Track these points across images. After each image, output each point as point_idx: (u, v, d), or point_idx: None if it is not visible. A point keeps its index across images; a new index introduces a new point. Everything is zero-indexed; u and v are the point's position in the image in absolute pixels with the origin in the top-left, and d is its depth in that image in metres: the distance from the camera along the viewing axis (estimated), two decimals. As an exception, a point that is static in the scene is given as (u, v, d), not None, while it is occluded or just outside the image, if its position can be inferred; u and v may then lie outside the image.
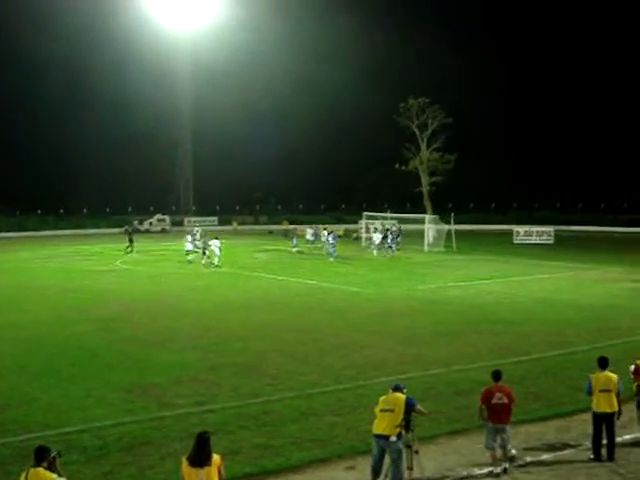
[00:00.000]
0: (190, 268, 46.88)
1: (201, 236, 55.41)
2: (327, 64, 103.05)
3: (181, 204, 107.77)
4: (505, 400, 13.40)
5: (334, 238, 53.82)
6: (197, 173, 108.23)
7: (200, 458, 10.13)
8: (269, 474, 13.35)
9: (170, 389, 18.52)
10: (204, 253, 48.93)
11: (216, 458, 10.22)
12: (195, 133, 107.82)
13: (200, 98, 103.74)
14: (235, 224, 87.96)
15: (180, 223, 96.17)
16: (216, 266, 47.07)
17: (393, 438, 12.25)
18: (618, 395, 14.20)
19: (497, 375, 13.81)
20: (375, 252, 55.89)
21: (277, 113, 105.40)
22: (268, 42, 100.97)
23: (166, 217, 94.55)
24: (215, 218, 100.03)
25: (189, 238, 50.86)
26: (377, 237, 57.09)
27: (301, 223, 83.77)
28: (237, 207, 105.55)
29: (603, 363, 14.46)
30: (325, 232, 58.31)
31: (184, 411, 16.71)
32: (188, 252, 49.76)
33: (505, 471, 13.21)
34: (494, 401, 13.42)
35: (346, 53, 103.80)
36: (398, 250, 57.07)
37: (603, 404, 14.12)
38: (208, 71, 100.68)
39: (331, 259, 51.53)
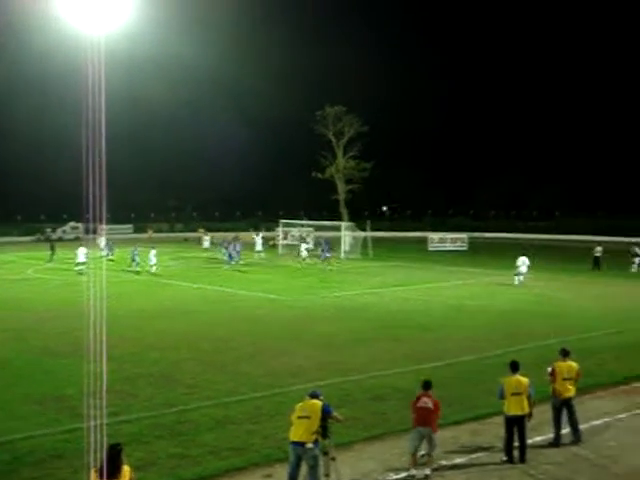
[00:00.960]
0: (105, 276, 46.00)
1: (109, 244, 58.36)
2: (245, 71, 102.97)
3: (95, 212, 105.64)
4: (430, 405, 13.62)
5: (238, 247, 54.81)
6: (111, 180, 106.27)
7: (110, 470, 9.89)
8: (184, 484, 13.21)
9: (83, 400, 18.13)
10: (133, 260, 49.34)
11: (126, 470, 10.03)
12: (108, 140, 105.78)
13: (114, 103, 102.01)
14: (150, 232, 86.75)
15: (94, 231, 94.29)
16: (137, 272, 47.39)
17: (310, 445, 12.27)
18: (529, 398, 14.54)
19: (426, 385, 14.12)
20: (307, 260, 55.70)
21: (191, 119, 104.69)
22: (185, 47, 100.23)
23: (79, 225, 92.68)
24: (130, 226, 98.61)
25: (84, 251, 48.65)
26: (304, 246, 57.11)
27: (217, 230, 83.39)
28: (152, 215, 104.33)
29: (514, 367, 14.80)
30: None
31: (98, 422, 16.38)
32: (79, 264, 47.79)
33: (426, 477, 13.34)
34: (419, 404, 13.66)
35: (264, 60, 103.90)
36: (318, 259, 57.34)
37: (514, 407, 14.44)
38: (124, 75, 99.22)
39: (226, 267, 51.55)
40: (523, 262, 42.04)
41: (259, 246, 60.95)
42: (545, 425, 16.24)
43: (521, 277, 41.75)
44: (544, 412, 16.96)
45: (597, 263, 51.24)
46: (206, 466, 13.94)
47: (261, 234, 64.21)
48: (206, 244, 63.12)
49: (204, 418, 16.74)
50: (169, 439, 15.35)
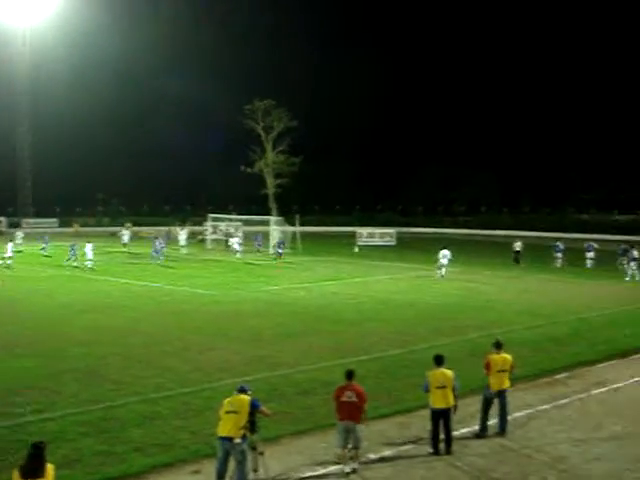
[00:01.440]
0: (32, 271, 45.17)
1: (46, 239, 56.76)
2: (174, 64, 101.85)
3: (18, 205, 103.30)
4: (354, 399, 13.58)
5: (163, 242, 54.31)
6: (36, 174, 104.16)
7: (33, 469, 9.71)
8: (111, 481, 13.04)
9: (6, 398, 17.76)
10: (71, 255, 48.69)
11: (49, 468, 9.85)
12: (33, 133, 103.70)
13: (38, 97, 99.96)
14: (76, 226, 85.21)
15: (18, 225, 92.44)
16: (75, 267, 46.92)
17: (237, 440, 12.24)
18: (454, 391, 14.75)
19: (349, 374, 14.00)
20: (238, 255, 55.25)
21: (119, 113, 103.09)
22: (108, 39, 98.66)
23: (2, 219, 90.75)
24: (55, 220, 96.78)
25: (10, 245, 48.68)
26: (235, 240, 56.94)
27: (146, 225, 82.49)
28: (78, 209, 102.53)
29: (439, 360, 15.00)
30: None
31: (22, 420, 16.08)
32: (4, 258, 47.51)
33: (354, 471, 13.41)
34: (343, 399, 13.62)
35: (194, 53, 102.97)
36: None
37: (439, 400, 14.62)
38: (47, 70, 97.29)
39: (158, 261, 51.07)
40: (444, 255, 42.73)
41: (183, 241, 60.36)
42: (471, 417, 16.51)
43: (443, 270, 42.40)
44: (470, 405, 17.26)
45: (517, 257, 52.33)
46: (132, 463, 13.79)
47: (186, 229, 63.46)
48: (125, 238, 61.30)
49: (131, 414, 16.55)
50: (94, 436, 15.13)
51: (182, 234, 60.61)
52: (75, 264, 47.72)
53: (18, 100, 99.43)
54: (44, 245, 56.54)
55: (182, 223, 74.82)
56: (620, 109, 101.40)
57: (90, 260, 47.24)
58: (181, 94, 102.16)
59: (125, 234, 61.81)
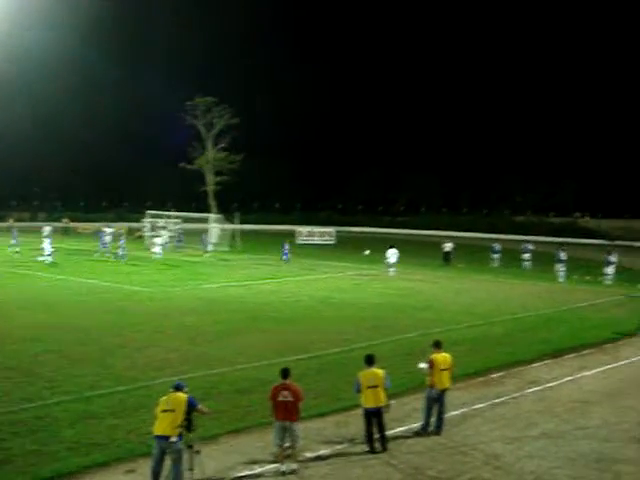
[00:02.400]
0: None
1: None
2: (113, 58, 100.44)
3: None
4: (290, 398, 13.56)
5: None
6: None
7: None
8: (44, 481, 12.81)
9: None
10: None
11: None
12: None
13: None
14: (11, 220, 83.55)
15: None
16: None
17: (174, 439, 12.14)
18: (385, 390, 14.84)
19: (284, 373, 13.97)
20: (157, 256, 52.85)
21: (55, 108, 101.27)
22: (38, 29, 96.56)
23: None
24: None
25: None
26: (160, 238, 55.88)
27: (85, 221, 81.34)
28: (14, 203, 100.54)
29: (369, 360, 15.06)
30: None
31: (-49, 419, 15.71)
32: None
33: (294, 472, 13.38)
34: (279, 398, 13.59)
35: (135, 48, 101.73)
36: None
37: (371, 400, 14.70)
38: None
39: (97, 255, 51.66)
40: (392, 254, 43.09)
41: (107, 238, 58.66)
42: (407, 416, 16.66)
43: (393, 268, 42.80)
44: (406, 403, 17.46)
45: (447, 258, 52.94)
46: (65, 463, 13.57)
47: (112, 227, 61.37)
48: (45, 233, 58.52)
49: (64, 413, 16.29)
50: (26, 436, 14.86)
51: (108, 231, 58.11)
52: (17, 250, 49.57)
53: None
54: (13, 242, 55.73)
55: (121, 220, 73.87)
56: (556, 115, 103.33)
57: (49, 255, 47.52)
58: (120, 88, 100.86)
59: (46, 230, 59.57)
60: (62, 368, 20.11)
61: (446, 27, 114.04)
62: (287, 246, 50.86)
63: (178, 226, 69.27)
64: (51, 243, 48.33)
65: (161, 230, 61.58)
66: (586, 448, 15.14)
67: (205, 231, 61.17)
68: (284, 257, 49.87)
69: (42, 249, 47.65)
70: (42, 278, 39.80)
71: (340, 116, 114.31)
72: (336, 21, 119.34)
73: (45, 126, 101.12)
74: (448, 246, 53.37)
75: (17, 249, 53.62)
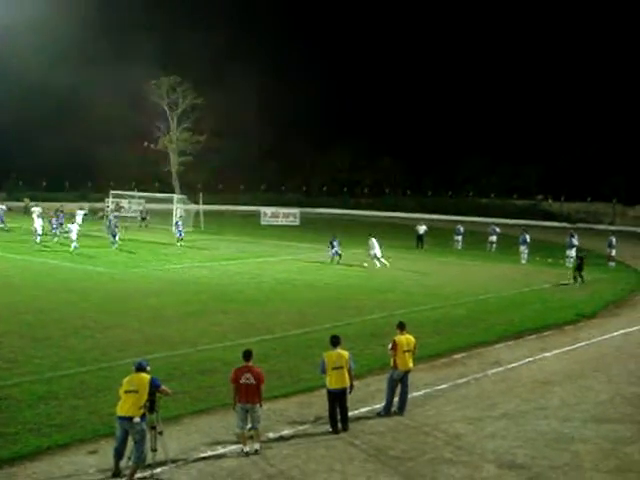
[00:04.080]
0: None
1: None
2: (77, 30, 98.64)
3: None
4: (253, 381, 13.52)
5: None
6: None
7: None
8: (3, 463, 12.69)
9: None
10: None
11: None
12: None
13: None
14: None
15: None
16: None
17: (137, 419, 12.10)
18: (350, 371, 14.89)
19: (247, 355, 13.91)
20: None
21: (14, 83, 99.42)
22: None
23: None
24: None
25: None
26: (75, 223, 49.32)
27: (44, 201, 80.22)
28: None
29: (335, 341, 15.09)
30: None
31: None
32: None
33: (257, 452, 13.41)
34: (242, 381, 13.54)
35: (99, 24, 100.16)
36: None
37: (336, 381, 14.74)
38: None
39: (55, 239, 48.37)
40: (374, 244, 40.49)
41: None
42: (371, 397, 16.75)
43: (382, 260, 40.15)
44: (370, 384, 17.57)
45: (421, 240, 52.83)
46: (26, 444, 13.46)
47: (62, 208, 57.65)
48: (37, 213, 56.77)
49: (25, 394, 16.14)
50: (-14, 417, 14.72)
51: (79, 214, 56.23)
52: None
53: None
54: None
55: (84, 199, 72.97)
56: (521, 98, 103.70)
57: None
58: (84, 64, 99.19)
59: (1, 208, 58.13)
60: (23, 349, 19.93)
61: (418, 8, 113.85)
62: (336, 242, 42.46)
63: (143, 206, 68.91)
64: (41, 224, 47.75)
65: (78, 211, 57.32)
66: (546, 428, 15.34)
67: (180, 217, 58.93)
68: (331, 252, 41.79)
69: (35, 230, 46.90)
70: (3, 258, 39.29)
71: (306, 97, 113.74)
72: None
73: (4, 105, 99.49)
74: (422, 229, 53.17)
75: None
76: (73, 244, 42.29)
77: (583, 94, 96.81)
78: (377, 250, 40.24)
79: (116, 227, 48.04)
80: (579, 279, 36.11)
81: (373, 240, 40.73)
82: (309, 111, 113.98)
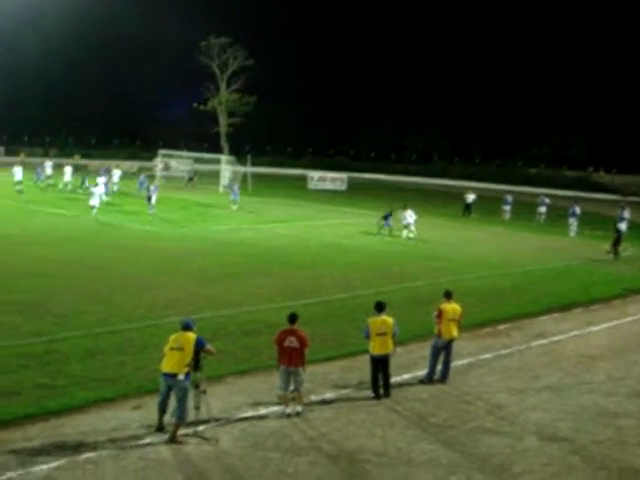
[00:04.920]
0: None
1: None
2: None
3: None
4: (296, 344, 13.54)
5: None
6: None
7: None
8: (52, 414, 12.94)
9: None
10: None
11: None
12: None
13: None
14: (22, 155, 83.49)
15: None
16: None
17: (181, 377, 12.22)
18: (393, 337, 14.89)
19: (292, 318, 13.90)
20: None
21: (64, 44, 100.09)
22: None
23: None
24: (1, 149, 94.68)
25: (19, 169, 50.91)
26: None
27: (98, 158, 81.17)
28: (26, 138, 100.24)
29: (379, 307, 15.04)
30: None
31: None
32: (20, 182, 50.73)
33: (298, 414, 13.51)
34: (285, 344, 13.56)
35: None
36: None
37: (379, 347, 14.75)
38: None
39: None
40: (409, 215, 39.01)
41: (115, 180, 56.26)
42: (414, 364, 16.75)
43: (412, 229, 38.89)
44: (412, 351, 17.55)
45: (468, 209, 52.39)
46: (73, 397, 13.72)
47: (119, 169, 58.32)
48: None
49: (73, 348, 16.43)
50: (36, 369, 15.01)
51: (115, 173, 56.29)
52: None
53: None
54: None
55: (133, 158, 73.53)
56: (574, 66, 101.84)
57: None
58: (134, 26, 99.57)
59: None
60: (71, 304, 20.25)
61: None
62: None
63: (192, 167, 69.31)
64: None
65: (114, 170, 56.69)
66: (589, 402, 15.21)
67: (234, 180, 58.56)
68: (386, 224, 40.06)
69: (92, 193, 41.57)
70: (53, 214, 39.85)
71: (354, 63, 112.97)
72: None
73: (56, 62, 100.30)
74: (470, 197, 52.72)
75: (50, 182, 56.13)
76: (93, 206, 39.61)
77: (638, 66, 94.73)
78: (410, 220, 39.21)
79: (149, 190, 43.92)
80: (613, 254, 35.43)
81: (408, 211, 39.50)
82: (358, 76, 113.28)
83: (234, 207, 48.43)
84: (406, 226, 38.85)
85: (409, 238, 38.26)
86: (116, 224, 37.38)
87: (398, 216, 39.74)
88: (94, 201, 39.57)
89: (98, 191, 40.90)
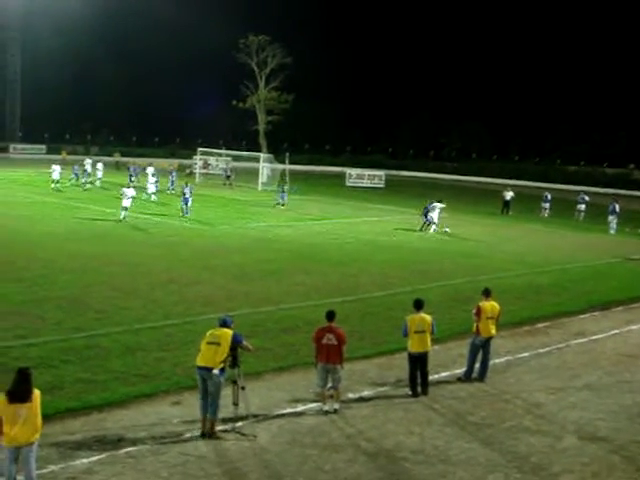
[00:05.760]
0: (15, 197, 44.86)
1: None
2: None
3: (6, 130, 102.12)
4: (334, 341, 13.57)
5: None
6: (25, 99, 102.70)
7: (22, 394, 9.84)
8: (93, 409, 13.13)
9: (-11, 321, 17.80)
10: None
11: (37, 394, 9.96)
12: (23, 59, 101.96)
13: (29, 23, 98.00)
14: (64, 154, 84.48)
15: (5, 150, 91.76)
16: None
17: (215, 371, 12.21)
18: (432, 334, 14.88)
19: (330, 315, 13.93)
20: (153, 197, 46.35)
21: (106, 41, 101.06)
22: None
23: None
24: (43, 146, 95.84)
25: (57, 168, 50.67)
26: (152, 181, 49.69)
27: (137, 156, 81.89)
28: (67, 136, 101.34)
29: (418, 305, 15.03)
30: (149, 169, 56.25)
31: (5, 344, 16.11)
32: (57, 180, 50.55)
33: (336, 411, 13.55)
34: (324, 341, 13.61)
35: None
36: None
37: (417, 344, 14.75)
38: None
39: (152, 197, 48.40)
40: (436, 208, 39.64)
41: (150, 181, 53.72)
42: (451, 361, 16.73)
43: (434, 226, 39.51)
44: (451, 349, 17.53)
45: (507, 206, 52.04)
46: (114, 391, 13.90)
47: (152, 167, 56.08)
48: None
49: (113, 344, 16.62)
50: (77, 364, 15.22)
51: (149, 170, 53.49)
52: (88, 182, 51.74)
53: (7, 25, 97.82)
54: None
55: (172, 156, 73.94)
56: (611, 64, 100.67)
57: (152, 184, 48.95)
58: (174, 24, 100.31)
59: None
60: (111, 300, 20.49)
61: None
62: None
63: (230, 164, 69.63)
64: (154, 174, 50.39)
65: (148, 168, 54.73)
66: (629, 401, 15.08)
67: (284, 181, 56.54)
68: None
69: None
70: (92, 211, 40.29)
71: (392, 59, 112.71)
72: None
73: (99, 62, 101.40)
74: (509, 195, 52.34)
75: (90, 179, 55.46)
76: (125, 207, 37.32)
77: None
78: (435, 215, 39.38)
79: (185, 194, 40.82)
80: None
81: (437, 205, 39.73)
82: (396, 73, 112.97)
83: (282, 207, 47.83)
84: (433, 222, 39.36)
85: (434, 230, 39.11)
86: (156, 220, 37.68)
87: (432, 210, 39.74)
88: (126, 202, 37.32)
89: (130, 193, 37.84)
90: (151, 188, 47.82)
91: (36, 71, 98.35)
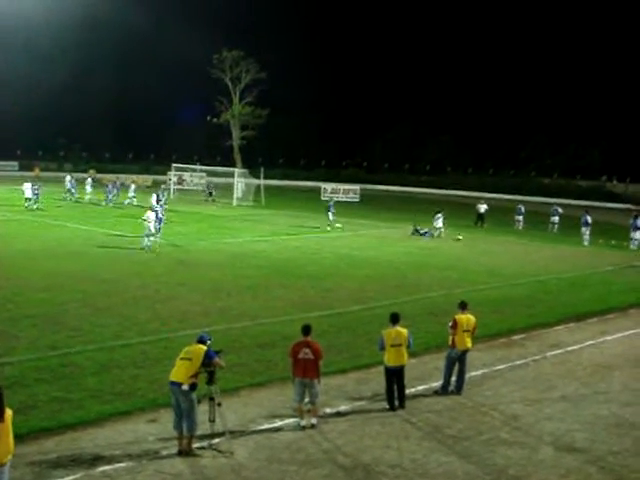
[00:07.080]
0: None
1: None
2: (138, 7, 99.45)
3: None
4: (311, 356, 13.54)
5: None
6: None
7: (-8, 413, 9.69)
8: (67, 428, 12.98)
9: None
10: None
11: (8, 414, 9.79)
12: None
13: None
14: (37, 170, 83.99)
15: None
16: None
17: (185, 387, 12.11)
18: (408, 348, 14.89)
19: (306, 330, 13.90)
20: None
21: (79, 56, 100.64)
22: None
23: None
24: (16, 163, 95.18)
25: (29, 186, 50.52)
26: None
27: (111, 172, 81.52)
28: (40, 153, 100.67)
29: (394, 319, 15.05)
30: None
31: (-23, 364, 15.93)
32: (30, 199, 50.27)
33: (313, 426, 13.51)
34: (300, 356, 13.57)
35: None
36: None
37: (394, 358, 14.75)
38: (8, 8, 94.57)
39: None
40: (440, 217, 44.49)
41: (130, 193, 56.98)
42: (427, 374, 16.73)
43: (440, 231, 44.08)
44: (427, 362, 17.54)
45: (481, 219, 52.36)
46: (89, 410, 13.76)
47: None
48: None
49: (88, 362, 16.48)
50: (51, 382, 15.07)
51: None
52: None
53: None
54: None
55: (147, 172, 73.72)
56: (587, 77, 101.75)
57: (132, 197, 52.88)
58: (149, 41, 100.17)
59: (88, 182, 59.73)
60: (86, 317, 20.33)
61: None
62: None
63: (203, 180, 69.55)
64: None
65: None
66: (606, 412, 15.14)
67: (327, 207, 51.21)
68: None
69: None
70: (67, 228, 40.05)
71: (366, 75, 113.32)
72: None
73: (72, 78, 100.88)
74: (483, 207, 52.72)
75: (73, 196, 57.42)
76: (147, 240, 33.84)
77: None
78: (439, 223, 43.83)
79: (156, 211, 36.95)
80: None
81: (439, 215, 44.32)
82: (371, 87, 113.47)
83: (337, 225, 46.83)
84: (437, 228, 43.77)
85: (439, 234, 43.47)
86: (130, 237, 37.47)
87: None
88: (150, 227, 33.96)
89: (152, 217, 34.37)
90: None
91: (7, 87, 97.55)
